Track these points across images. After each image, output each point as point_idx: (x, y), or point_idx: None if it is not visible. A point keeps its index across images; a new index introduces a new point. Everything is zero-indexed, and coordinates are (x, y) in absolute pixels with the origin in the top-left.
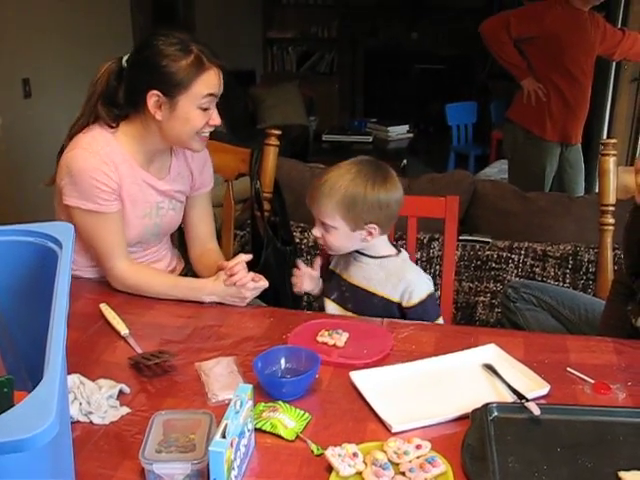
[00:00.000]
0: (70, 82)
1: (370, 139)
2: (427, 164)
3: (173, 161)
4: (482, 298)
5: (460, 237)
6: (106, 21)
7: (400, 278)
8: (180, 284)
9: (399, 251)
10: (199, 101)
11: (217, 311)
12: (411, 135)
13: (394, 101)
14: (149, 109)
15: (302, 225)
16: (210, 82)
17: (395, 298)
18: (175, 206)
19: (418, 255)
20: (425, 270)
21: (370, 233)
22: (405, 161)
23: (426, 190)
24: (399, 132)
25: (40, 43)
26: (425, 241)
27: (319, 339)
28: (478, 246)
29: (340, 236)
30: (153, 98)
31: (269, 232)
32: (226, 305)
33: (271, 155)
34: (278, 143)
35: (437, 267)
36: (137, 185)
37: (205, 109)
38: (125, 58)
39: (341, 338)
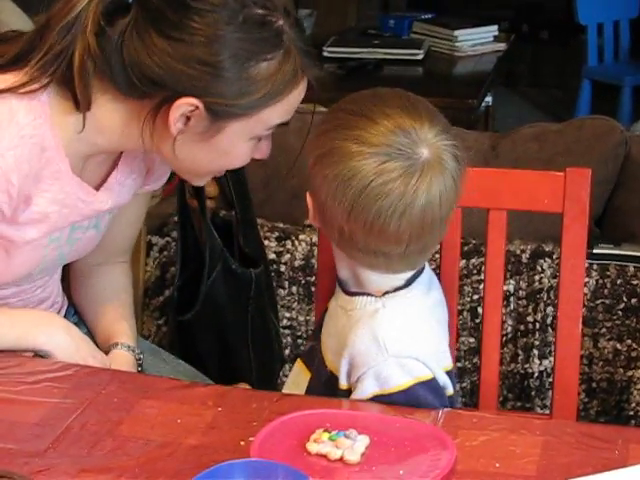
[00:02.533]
0: None
1: (420, 54)
2: (534, 104)
3: (121, 158)
4: None
5: (595, 250)
6: None
7: (347, 341)
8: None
9: (407, 285)
10: (261, 131)
11: (113, 391)
12: (503, 46)
13: None
14: (164, 115)
15: (282, 226)
16: (291, 106)
17: (342, 379)
18: (99, 223)
19: (511, 285)
20: (523, 317)
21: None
22: (490, 99)
23: (529, 156)
24: (478, 39)
25: None
26: (524, 258)
27: (311, 448)
28: (633, 268)
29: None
30: (184, 108)
31: (216, 240)
32: (131, 379)
33: None
34: None
35: (548, 309)
36: (57, 203)
37: (260, 139)
38: None
39: (355, 447)
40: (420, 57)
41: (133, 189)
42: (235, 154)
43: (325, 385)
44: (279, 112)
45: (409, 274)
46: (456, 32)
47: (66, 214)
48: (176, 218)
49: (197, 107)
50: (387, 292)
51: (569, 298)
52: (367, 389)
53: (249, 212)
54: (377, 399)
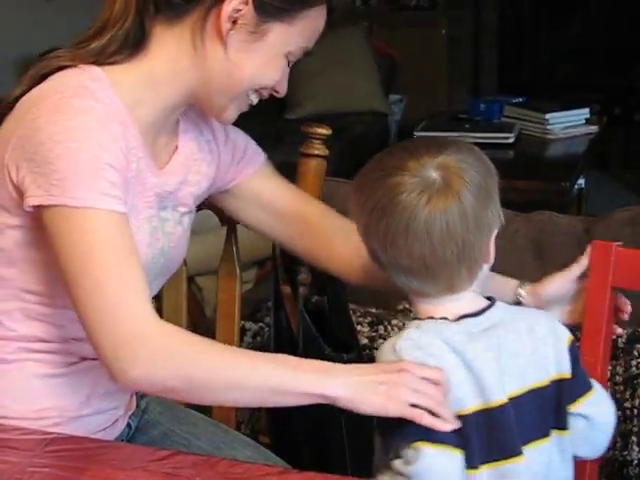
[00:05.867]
0: None
1: (511, 137)
2: (628, 186)
3: (180, 134)
4: None
5: None
6: None
7: None
8: (287, 362)
9: (455, 320)
10: (294, 45)
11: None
12: (595, 128)
13: (560, 60)
14: (214, 19)
15: (374, 311)
16: (318, 23)
17: None
18: (183, 219)
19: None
20: (620, 403)
21: None
22: (583, 181)
23: (623, 240)
24: (570, 122)
25: None
26: (621, 343)
27: None
28: None
29: None
30: (234, 4)
31: (309, 326)
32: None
33: (312, 175)
34: (327, 152)
35: None
36: (133, 175)
37: (288, 63)
38: None
39: None
40: (511, 140)
41: (196, 182)
42: (273, 67)
43: None
44: (311, 22)
45: (455, 306)
46: (547, 115)
47: (144, 191)
48: (269, 304)
49: (246, 4)
50: (432, 317)
51: None
52: None
53: (341, 297)
54: None
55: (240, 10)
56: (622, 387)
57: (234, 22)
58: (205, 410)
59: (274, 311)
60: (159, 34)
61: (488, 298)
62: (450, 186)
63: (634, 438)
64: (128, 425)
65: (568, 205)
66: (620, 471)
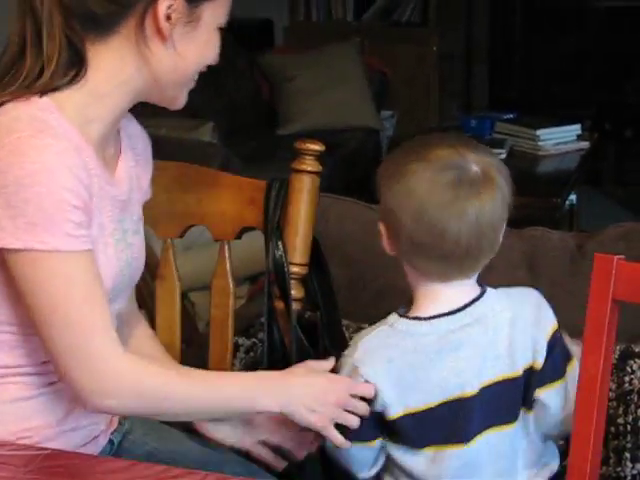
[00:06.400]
0: None
1: (502, 153)
2: (620, 202)
3: (124, 143)
4: None
5: None
6: None
7: None
8: (229, 382)
9: (428, 319)
10: (223, 16)
11: None
12: (586, 144)
13: (551, 77)
14: (149, 26)
15: (367, 327)
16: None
17: None
18: (139, 227)
19: None
20: (613, 419)
21: None
22: (574, 197)
23: (616, 254)
24: (561, 138)
25: None
26: (613, 359)
27: None
28: None
29: None
30: (166, 2)
31: (302, 341)
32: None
33: (305, 192)
34: (320, 168)
35: (639, 411)
36: (96, 194)
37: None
38: None
39: None
40: (503, 157)
41: (137, 185)
42: (212, 44)
43: None
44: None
45: (454, 293)
46: (538, 131)
47: (105, 202)
48: (263, 319)
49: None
50: (406, 313)
51: None
52: None
53: (334, 313)
54: None
55: (172, 5)
56: (615, 403)
57: (168, 18)
58: None
59: (267, 327)
60: (95, 51)
61: (481, 285)
62: (492, 179)
63: (627, 454)
64: (110, 442)
65: (560, 221)
66: None
